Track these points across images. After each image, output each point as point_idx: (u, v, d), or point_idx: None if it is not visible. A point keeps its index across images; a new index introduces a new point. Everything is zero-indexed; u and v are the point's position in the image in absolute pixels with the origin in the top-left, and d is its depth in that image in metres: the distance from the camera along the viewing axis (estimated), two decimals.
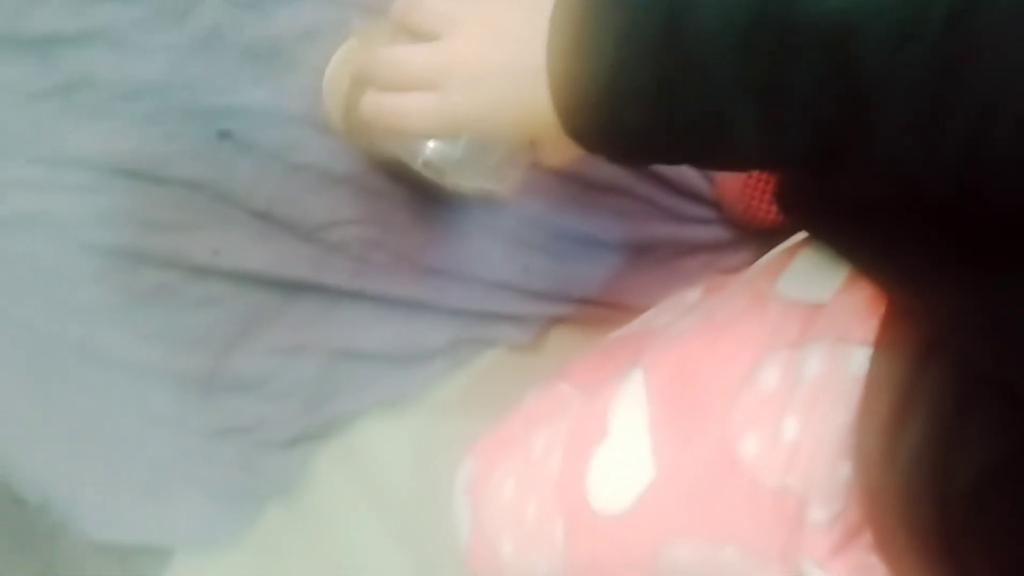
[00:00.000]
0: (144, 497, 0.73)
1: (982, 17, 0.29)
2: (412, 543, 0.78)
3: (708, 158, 0.40)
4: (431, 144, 0.50)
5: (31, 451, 0.71)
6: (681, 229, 0.81)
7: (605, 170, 0.77)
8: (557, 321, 0.81)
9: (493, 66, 0.43)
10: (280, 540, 0.77)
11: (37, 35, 0.64)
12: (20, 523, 0.73)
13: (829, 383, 0.44)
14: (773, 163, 0.38)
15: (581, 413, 0.56)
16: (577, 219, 0.78)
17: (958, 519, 0.38)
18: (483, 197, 0.63)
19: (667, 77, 0.36)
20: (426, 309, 0.76)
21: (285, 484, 0.77)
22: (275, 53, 0.68)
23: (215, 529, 0.76)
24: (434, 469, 0.76)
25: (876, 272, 0.44)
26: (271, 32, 0.68)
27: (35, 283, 0.68)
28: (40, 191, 0.67)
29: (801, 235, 0.52)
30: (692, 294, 0.64)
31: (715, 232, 0.82)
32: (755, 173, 0.77)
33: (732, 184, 0.78)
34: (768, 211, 0.77)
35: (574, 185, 0.77)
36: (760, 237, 0.81)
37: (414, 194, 0.73)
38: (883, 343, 0.42)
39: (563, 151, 0.47)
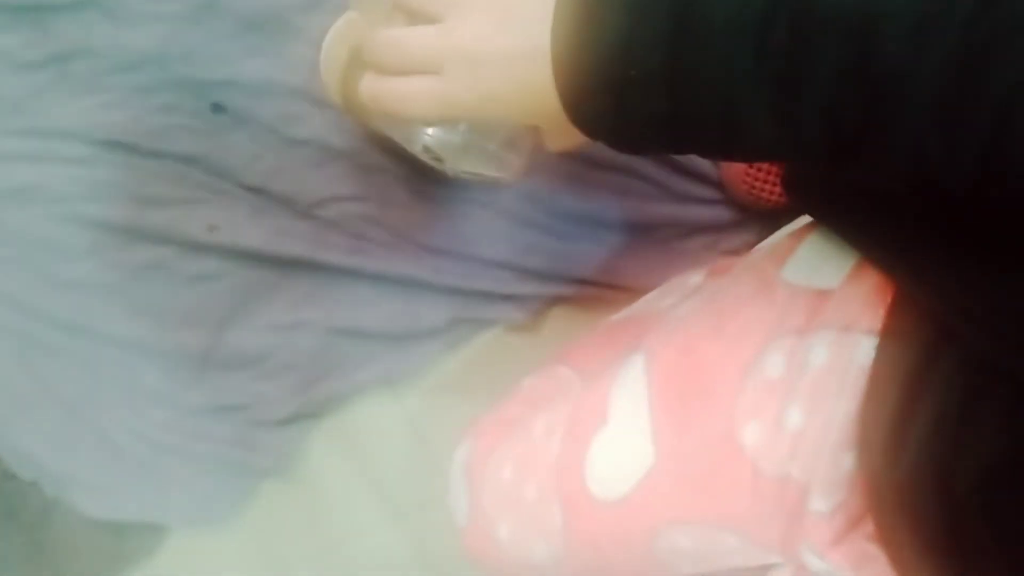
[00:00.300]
0: (138, 474, 0.73)
1: (1008, 8, 0.28)
2: (408, 522, 0.78)
3: (718, 149, 0.39)
4: (430, 131, 0.49)
5: (23, 427, 0.71)
6: (683, 209, 0.80)
7: (607, 149, 0.76)
8: (556, 301, 0.81)
9: (496, 50, 0.42)
10: (276, 518, 0.77)
11: (31, 3, 0.63)
12: (12, 499, 0.72)
13: (835, 372, 0.43)
14: (786, 155, 0.37)
15: (581, 397, 0.56)
16: (578, 198, 0.77)
17: (963, 513, 0.38)
18: (483, 183, 0.62)
19: (678, 65, 0.35)
20: (424, 287, 0.76)
21: (281, 462, 0.77)
22: (272, 24, 0.67)
23: (210, 507, 0.76)
24: (431, 449, 0.77)
25: (884, 260, 0.44)
26: (269, 2, 0.67)
27: (27, 257, 0.68)
28: (33, 163, 0.66)
29: (806, 218, 0.52)
30: (695, 277, 0.64)
31: (717, 213, 0.81)
32: None
33: (736, 165, 0.78)
34: (772, 192, 0.77)
35: (575, 163, 0.76)
36: (763, 218, 0.81)
37: (413, 171, 0.72)
38: (890, 333, 0.42)
39: (566, 138, 0.46)
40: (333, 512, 0.78)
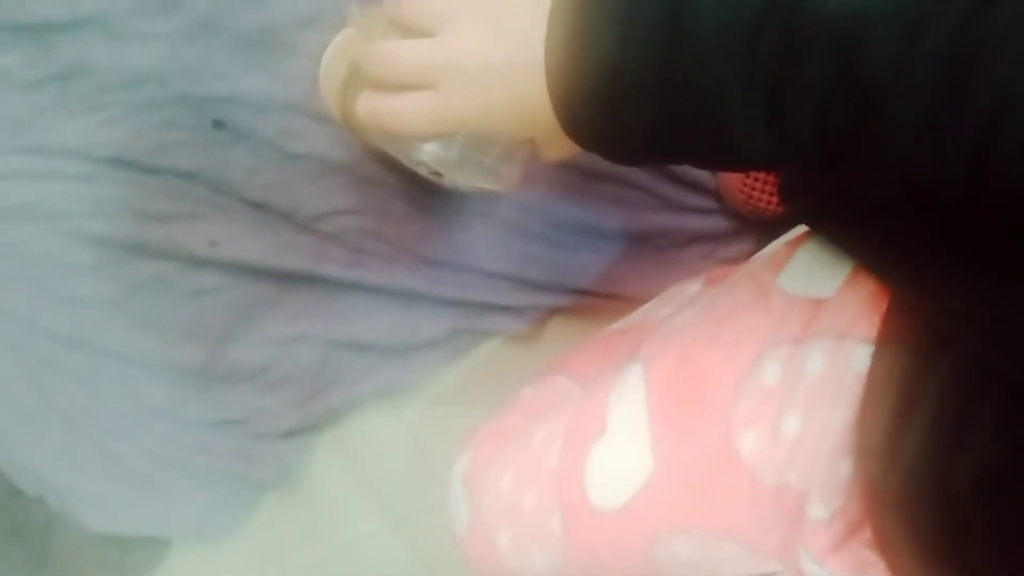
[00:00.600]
0: (141, 488, 0.73)
1: (993, 17, 0.28)
2: (409, 533, 0.78)
3: (711, 159, 0.39)
4: (426, 147, 0.49)
5: (27, 443, 0.71)
6: (681, 219, 0.80)
7: (603, 159, 0.76)
8: (555, 311, 0.81)
9: (490, 63, 0.42)
10: (277, 530, 0.77)
11: (31, 22, 0.63)
12: (18, 514, 0.73)
13: (831, 380, 0.43)
14: (779, 163, 0.38)
15: (580, 406, 0.56)
16: (575, 208, 0.78)
17: (960, 519, 0.38)
18: (481, 194, 0.62)
19: (669, 77, 0.35)
20: (423, 299, 0.76)
21: (282, 474, 0.77)
22: (270, 40, 0.67)
23: (212, 519, 0.76)
24: (431, 459, 0.77)
25: (879, 267, 0.44)
26: (267, 18, 0.67)
27: (29, 273, 0.68)
28: (35, 181, 0.66)
29: (803, 227, 0.52)
30: (693, 286, 0.64)
31: (715, 222, 0.81)
32: None
33: (733, 174, 0.78)
34: (769, 201, 0.77)
35: (573, 174, 0.76)
36: (761, 227, 0.81)
37: (411, 184, 0.72)
38: (886, 340, 0.42)
39: (562, 149, 0.46)
40: (334, 523, 0.78)
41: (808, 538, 0.45)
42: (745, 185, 0.77)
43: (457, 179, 0.51)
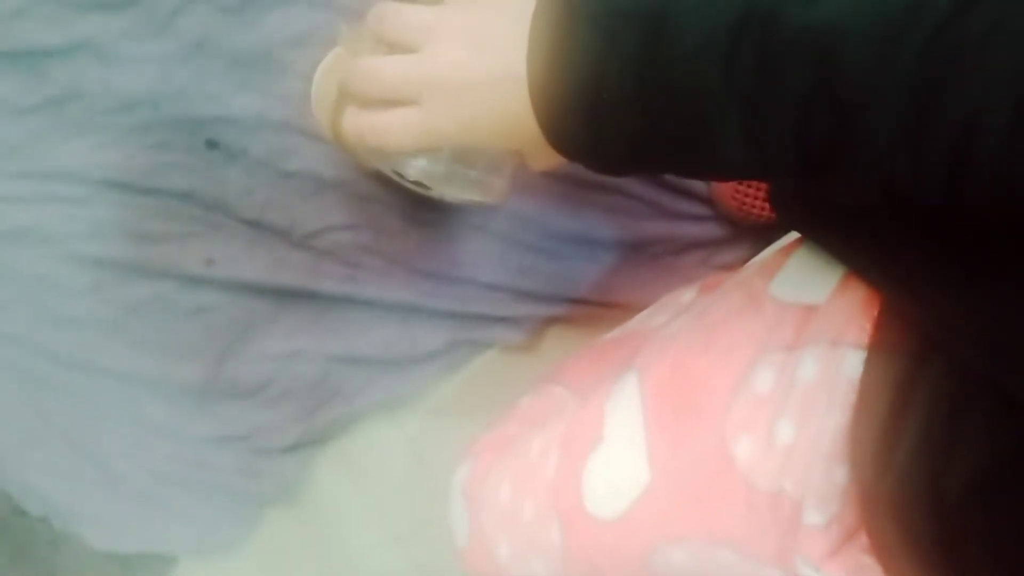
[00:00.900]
0: (144, 506, 0.73)
1: (967, 27, 0.28)
2: (411, 545, 0.78)
3: (693, 169, 0.39)
4: (414, 162, 0.49)
5: (30, 463, 0.71)
6: (675, 226, 0.80)
7: None
8: (552, 321, 0.81)
9: (472, 77, 0.43)
10: (281, 544, 0.78)
11: (24, 48, 0.64)
12: (22, 534, 0.73)
13: (824, 386, 0.43)
14: (758, 173, 0.38)
15: (576, 415, 0.56)
16: (570, 218, 0.78)
17: (954, 523, 0.38)
18: (471, 206, 0.62)
19: (649, 88, 0.36)
20: (421, 312, 0.76)
21: (284, 489, 0.77)
22: (261, 60, 0.68)
23: (216, 535, 0.76)
24: (432, 471, 0.77)
25: (869, 273, 0.44)
26: (258, 39, 0.68)
27: (28, 296, 0.68)
28: (31, 205, 0.66)
29: (795, 234, 0.52)
30: (687, 294, 0.64)
31: (709, 229, 0.81)
32: None
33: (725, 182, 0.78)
34: (763, 208, 0.77)
35: (566, 184, 0.76)
36: (755, 233, 0.81)
37: (405, 198, 0.72)
38: (877, 346, 0.42)
39: (548, 159, 0.47)
40: (337, 536, 0.78)
41: (805, 544, 0.45)
42: (737, 192, 0.77)
43: (446, 192, 0.52)
